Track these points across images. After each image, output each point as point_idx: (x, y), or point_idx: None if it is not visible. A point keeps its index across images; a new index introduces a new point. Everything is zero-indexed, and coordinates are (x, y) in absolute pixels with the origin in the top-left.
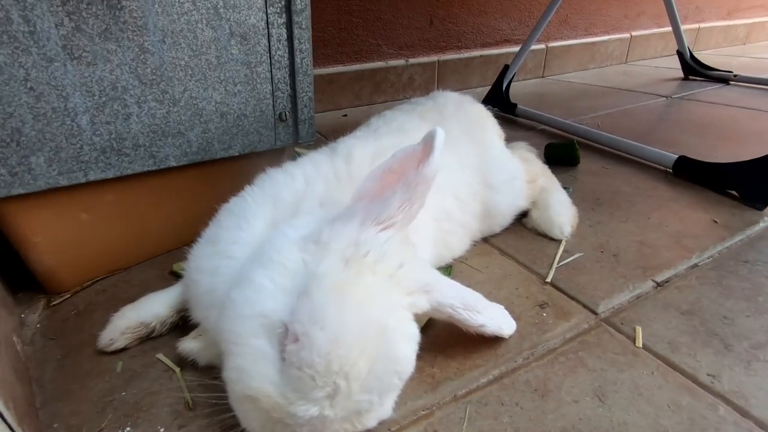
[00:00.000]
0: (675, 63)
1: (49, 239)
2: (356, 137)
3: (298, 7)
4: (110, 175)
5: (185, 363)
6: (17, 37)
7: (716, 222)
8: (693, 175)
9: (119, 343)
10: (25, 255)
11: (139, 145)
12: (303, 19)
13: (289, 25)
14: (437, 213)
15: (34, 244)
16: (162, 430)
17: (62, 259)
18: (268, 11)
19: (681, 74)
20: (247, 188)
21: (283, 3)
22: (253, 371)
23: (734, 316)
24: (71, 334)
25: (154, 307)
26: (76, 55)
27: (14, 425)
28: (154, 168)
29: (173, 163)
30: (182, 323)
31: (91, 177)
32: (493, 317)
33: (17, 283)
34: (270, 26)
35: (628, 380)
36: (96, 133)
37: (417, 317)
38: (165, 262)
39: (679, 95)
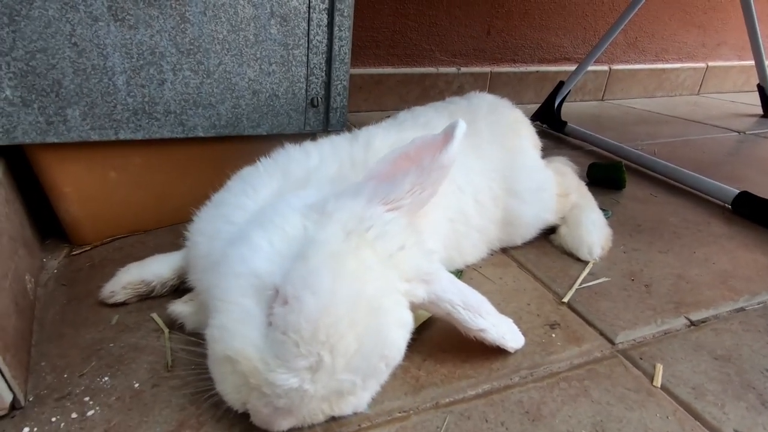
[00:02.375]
0: (755, 99)
1: (77, 191)
2: (380, 127)
3: None
4: (139, 136)
5: (175, 325)
6: None
7: None
8: (755, 213)
9: (119, 297)
10: (55, 203)
11: (170, 112)
12: (345, 6)
13: (331, 11)
14: (453, 213)
15: (64, 194)
16: (137, 385)
17: (87, 213)
18: None
19: (760, 111)
20: (262, 159)
21: None
22: (236, 331)
23: None
24: (80, 283)
25: (157, 268)
26: (119, 17)
27: None
28: (182, 135)
29: (201, 134)
30: (182, 287)
31: (121, 136)
32: (496, 324)
33: (49, 231)
34: (311, 10)
35: (636, 420)
36: (130, 94)
37: (414, 310)
38: (182, 230)
39: (755, 132)
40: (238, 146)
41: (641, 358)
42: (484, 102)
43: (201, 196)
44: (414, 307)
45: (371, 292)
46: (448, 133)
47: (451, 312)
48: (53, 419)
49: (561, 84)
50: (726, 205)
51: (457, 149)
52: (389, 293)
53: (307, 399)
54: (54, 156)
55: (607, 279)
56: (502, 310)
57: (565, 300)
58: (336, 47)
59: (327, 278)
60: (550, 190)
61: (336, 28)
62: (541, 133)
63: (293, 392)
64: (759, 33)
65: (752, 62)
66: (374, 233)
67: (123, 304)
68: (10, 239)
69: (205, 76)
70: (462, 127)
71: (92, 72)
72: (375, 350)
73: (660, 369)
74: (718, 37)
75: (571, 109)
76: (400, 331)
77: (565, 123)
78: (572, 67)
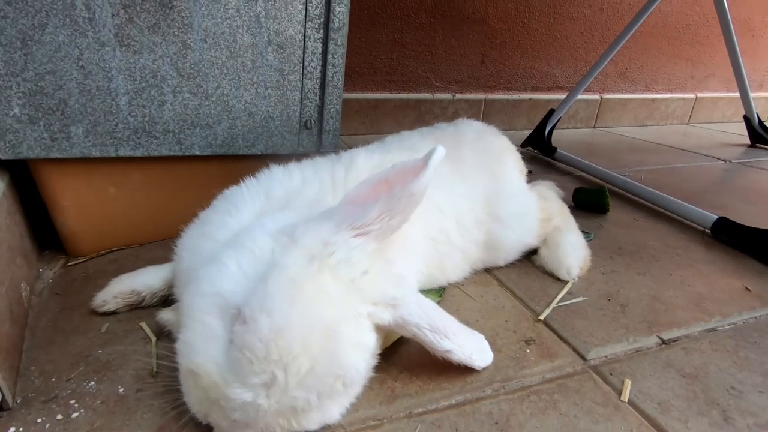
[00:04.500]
0: (743, 130)
1: (76, 205)
2: (365, 149)
3: (336, 25)
4: (138, 153)
5: (163, 333)
6: (78, 21)
7: (749, 290)
8: (733, 238)
9: (110, 306)
10: (54, 216)
11: (169, 131)
12: (339, 36)
13: (325, 41)
14: (435, 233)
15: (63, 207)
16: (122, 390)
17: (85, 226)
18: (307, 25)
19: (748, 141)
20: (247, 179)
21: (322, 19)
22: (199, 347)
23: (744, 389)
24: (74, 293)
25: (148, 278)
26: (125, 43)
27: None
28: (179, 153)
29: (197, 152)
30: (171, 298)
31: (121, 153)
32: (462, 345)
33: (47, 243)
34: (306, 39)
35: None
36: (131, 113)
37: (385, 332)
38: (174, 245)
39: (740, 161)
40: (234, 165)
41: (611, 374)
42: (471, 129)
43: (195, 213)
44: (381, 328)
45: (328, 316)
46: (425, 159)
47: (417, 334)
48: (39, 420)
49: (552, 111)
50: (706, 230)
51: (430, 177)
52: (348, 318)
53: (262, 413)
54: (56, 171)
55: (584, 298)
56: (481, 326)
57: (542, 317)
58: (329, 73)
59: (282, 302)
60: (533, 214)
61: (330, 56)
62: (532, 159)
63: (248, 406)
64: (743, 67)
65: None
66: (337, 258)
67: (114, 313)
68: (9, 249)
69: (203, 98)
70: (439, 154)
71: (97, 93)
72: (329, 371)
73: (628, 384)
74: (706, 70)
75: (563, 136)
76: (358, 353)
77: (555, 149)
78: (564, 96)
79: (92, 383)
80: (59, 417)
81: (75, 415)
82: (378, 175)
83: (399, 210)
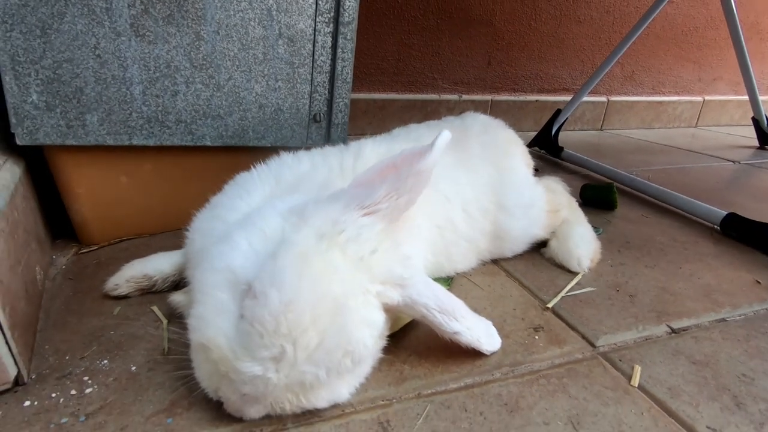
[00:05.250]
0: (752, 132)
1: (90, 193)
2: (373, 139)
3: (346, 19)
4: (151, 143)
5: (174, 317)
6: (95, 11)
7: (759, 283)
8: (742, 234)
9: (122, 290)
10: (68, 203)
11: (181, 121)
12: (349, 30)
13: (335, 35)
14: (441, 221)
15: (77, 195)
16: (134, 368)
17: (97, 214)
18: (317, 19)
19: (756, 143)
20: (257, 165)
21: (332, 14)
22: (210, 321)
23: (755, 376)
24: (86, 278)
25: (160, 263)
26: (140, 33)
27: (5, 328)
28: (191, 144)
29: (209, 143)
30: (183, 283)
31: (135, 142)
32: (471, 327)
33: (59, 232)
34: (317, 33)
35: (611, 415)
36: (145, 103)
37: (394, 315)
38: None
39: (750, 162)
40: (244, 157)
41: (620, 360)
42: (477, 122)
43: (206, 203)
44: (390, 310)
45: (337, 291)
46: (432, 143)
47: (426, 315)
48: (53, 395)
49: (558, 111)
50: (715, 226)
51: (436, 158)
52: (357, 293)
53: (271, 387)
54: (70, 159)
55: (592, 289)
56: (488, 314)
57: (550, 305)
58: (339, 67)
59: (292, 276)
60: (540, 206)
61: (339, 50)
62: (539, 159)
63: (257, 380)
64: (751, 69)
65: (747, 97)
66: (346, 236)
67: (125, 297)
68: (25, 231)
69: (215, 89)
70: (445, 137)
71: (112, 82)
72: (338, 346)
73: (638, 370)
74: (714, 73)
75: (570, 138)
76: (366, 330)
77: (562, 148)
78: (570, 98)
79: (105, 362)
80: (73, 392)
81: (88, 390)
82: (386, 160)
83: (406, 189)
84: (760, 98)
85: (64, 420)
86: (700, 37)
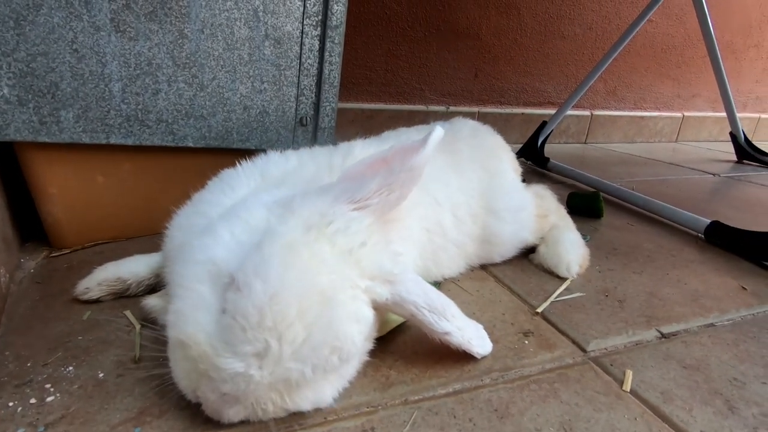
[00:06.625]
0: (731, 148)
1: (63, 193)
2: (362, 140)
3: (334, 23)
4: (130, 142)
5: (148, 322)
6: (73, 4)
7: (745, 288)
8: (726, 242)
9: (94, 293)
10: (39, 204)
11: (162, 120)
12: (337, 34)
13: (323, 38)
14: (431, 225)
15: (49, 195)
16: (101, 374)
17: (71, 216)
18: (305, 22)
19: (735, 158)
20: (242, 161)
21: (319, 17)
22: (189, 316)
23: (746, 380)
24: (55, 282)
25: (135, 266)
26: (121, 29)
27: None
28: (171, 144)
29: (191, 144)
30: (159, 288)
31: (113, 140)
32: (462, 328)
33: (31, 234)
34: (304, 35)
35: (604, 420)
36: (125, 101)
37: (381, 312)
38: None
39: (729, 174)
40: (227, 159)
41: (612, 365)
42: (467, 126)
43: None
44: (379, 307)
45: (324, 283)
46: (424, 139)
47: (416, 314)
48: (10, 404)
49: (544, 123)
50: (699, 234)
51: (430, 154)
52: (345, 287)
53: (254, 385)
54: (43, 156)
55: (581, 294)
56: (477, 318)
57: (539, 310)
58: (326, 71)
59: (277, 266)
60: (529, 210)
61: (327, 53)
62: (525, 170)
63: (239, 377)
64: (728, 86)
65: (725, 114)
66: (335, 228)
67: (97, 301)
68: None
69: (198, 89)
70: (438, 133)
71: (89, 77)
72: (325, 341)
73: (630, 375)
74: (692, 89)
75: (555, 150)
76: (354, 325)
77: (548, 159)
78: (555, 111)
79: (70, 368)
80: (33, 401)
81: (50, 399)
82: (376, 154)
83: (398, 185)
84: (738, 115)
85: (20, 431)
86: (679, 55)
